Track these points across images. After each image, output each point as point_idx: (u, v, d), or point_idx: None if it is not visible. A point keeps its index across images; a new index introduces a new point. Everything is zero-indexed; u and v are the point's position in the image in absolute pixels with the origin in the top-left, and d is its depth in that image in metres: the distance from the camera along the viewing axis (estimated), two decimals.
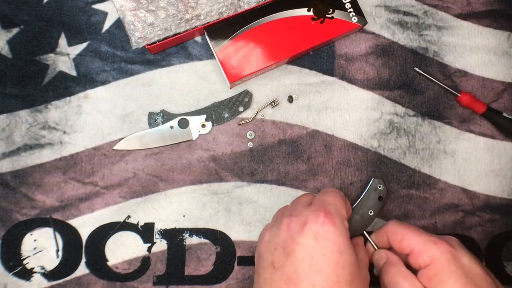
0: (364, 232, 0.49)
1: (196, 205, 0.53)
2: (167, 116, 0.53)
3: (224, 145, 0.54)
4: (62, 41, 0.54)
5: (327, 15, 0.54)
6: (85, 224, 0.51)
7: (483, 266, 0.41)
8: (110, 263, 0.51)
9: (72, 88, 0.53)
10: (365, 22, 0.54)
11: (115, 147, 0.52)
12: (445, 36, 0.57)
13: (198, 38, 0.55)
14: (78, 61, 0.53)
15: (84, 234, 0.51)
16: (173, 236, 0.52)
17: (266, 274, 0.40)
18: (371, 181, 0.52)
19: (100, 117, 0.53)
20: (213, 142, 0.54)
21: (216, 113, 0.54)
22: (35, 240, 0.51)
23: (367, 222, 0.50)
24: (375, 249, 0.47)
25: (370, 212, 0.50)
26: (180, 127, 0.53)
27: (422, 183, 0.55)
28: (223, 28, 0.52)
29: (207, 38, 0.53)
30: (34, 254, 0.51)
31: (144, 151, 0.53)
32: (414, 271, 0.42)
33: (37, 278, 0.50)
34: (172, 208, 0.52)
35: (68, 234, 0.51)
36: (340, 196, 0.45)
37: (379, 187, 0.51)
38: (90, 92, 0.53)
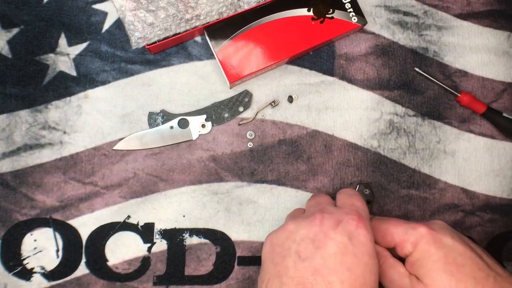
0: None
1: (196, 205, 0.53)
2: (167, 116, 0.53)
3: (224, 145, 0.54)
4: (62, 41, 0.54)
5: (327, 15, 0.54)
6: (85, 224, 0.51)
7: (470, 244, 0.41)
8: (110, 263, 0.51)
9: (72, 88, 0.53)
10: (365, 22, 0.54)
11: (115, 147, 0.52)
12: (445, 36, 0.57)
13: (198, 38, 0.55)
14: (78, 61, 0.53)
15: (84, 234, 0.51)
16: (173, 236, 0.52)
17: (288, 262, 0.39)
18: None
19: (100, 117, 0.53)
20: (213, 142, 0.54)
21: (216, 113, 0.54)
22: (35, 240, 0.51)
23: None
24: None
25: None
26: (180, 127, 0.53)
27: (422, 183, 0.55)
28: (223, 28, 0.52)
29: (207, 38, 0.53)
30: (34, 254, 0.51)
31: (144, 151, 0.53)
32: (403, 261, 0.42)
33: (37, 278, 0.50)
34: (172, 208, 0.52)
35: (68, 234, 0.51)
36: (363, 201, 0.45)
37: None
38: (90, 92, 0.53)
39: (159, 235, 0.52)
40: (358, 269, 0.38)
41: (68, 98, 0.53)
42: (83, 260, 0.51)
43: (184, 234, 0.52)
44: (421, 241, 0.40)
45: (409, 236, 0.41)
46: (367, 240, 0.39)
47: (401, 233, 0.42)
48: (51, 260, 0.51)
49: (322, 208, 0.42)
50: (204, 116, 0.54)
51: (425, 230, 0.41)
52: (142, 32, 0.50)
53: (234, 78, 0.52)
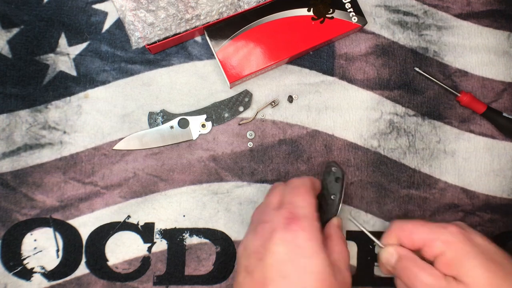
0: (366, 232, 0.47)
1: (196, 205, 0.53)
2: (167, 116, 0.53)
3: (224, 145, 0.54)
4: (62, 41, 0.54)
5: (327, 15, 0.54)
6: (85, 224, 0.51)
7: (496, 245, 0.41)
8: (110, 263, 0.51)
9: (72, 88, 0.53)
10: (365, 22, 0.54)
11: (115, 147, 0.52)
12: (445, 36, 0.57)
13: (198, 38, 0.55)
14: (78, 61, 0.53)
15: (84, 234, 0.51)
16: (173, 236, 0.52)
17: (240, 278, 0.40)
18: (325, 168, 0.50)
19: (100, 117, 0.53)
20: (213, 142, 0.54)
21: (216, 113, 0.54)
22: (35, 240, 0.51)
23: (332, 207, 0.48)
24: (380, 247, 0.45)
25: (333, 197, 0.48)
26: (180, 127, 0.53)
27: (422, 183, 0.55)
28: (223, 28, 0.52)
29: (207, 38, 0.53)
30: (34, 254, 0.51)
31: (144, 151, 0.53)
32: (430, 263, 0.41)
33: (37, 278, 0.50)
34: (172, 208, 0.52)
35: (68, 234, 0.51)
36: (307, 192, 0.43)
37: (333, 170, 0.48)
38: (90, 92, 0.53)
39: (159, 235, 0.52)
40: (295, 275, 0.38)
41: (68, 98, 0.53)
42: (83, 260, 0.51)
43: (184, 234, 0.52)
44: (455, 239, 0.39)
45: (440, 234, 0.40)
46: (303, 241, 0.39)
47: (431, 231, 0.41)
48: (51, 260, 0.51)
49: (263, 216, 0.43)
50: (204, 116, 0.54)
51: (456, 228, 0.40)
52: (142, 32, 0.50)
53: (234, 78, 0.52)
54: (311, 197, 0.43)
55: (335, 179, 0.48)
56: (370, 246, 0.53)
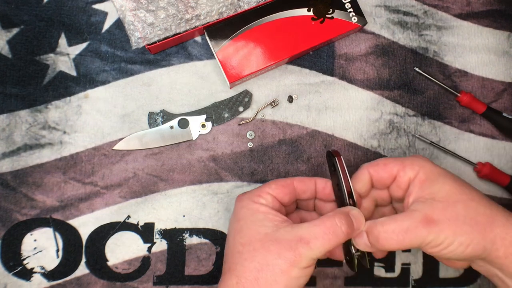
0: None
1: (196, 205, 0.53)
2: (167, 116, 0.53)
3: (224, 145, 0.54)
4: (62, 41, 0.54)
5: (327, 15, 0.54)
6: (85, 224, 0.51)
7: None
8: (110, 263, 0.51)
9: (72, 88, 0.53)
10: (365, 22, 0.54)
11: (115, 147, 0.52)
12: (445, 36, 0.57)
13: (198, 38, 0.55)
14: (78, 61, 0.53)
15: (84, 234, 0.51)
16: (173, 236, 0.52)
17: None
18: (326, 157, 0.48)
19: (100, 117, 0.53)
20: (213, 142, 0.54)
21: (216, 113, 0.54)
22: (35, 240, 0.51)
23: (343, 198, 0.44)
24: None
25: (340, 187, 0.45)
26: (180, 127, 0.53)
27: None
28: (223, 28, 0.52)
29: (207, 38, 0.53)
30: (34, 254, 0.51)
31: (144, 151, 0.53)
32: (401, 197, 0.44)
33: (37, 278, 0.50)
34: (172, 208, 0.52)
35: (68, 234, 0.51)
36: (265, 187, 0.45)
37: (332, 159, 0.45)
38: (90, 92, 0.53)
39: (159, 235, 0.52)
40: (229, 237, 0.44)
41: (68, 98, 0.53)
42: (83, 260, 0.51)
43: (184, 234, 0.52)
44: (426, 163, 0.43)
45: (412, 160, 0.43)
46: (235, 208, 0.44)
47: (402, 161, 0.44)
48: (51, 260, 0.51)
49: None
50: (204, 116, 0.54)
51: (425, 158, 0.44)
52: (142, 32, 0.50)
53: (234, 78, 0.52)
54: (269, 188, 0.45)
55: (333, 167, 0.45)
56: None
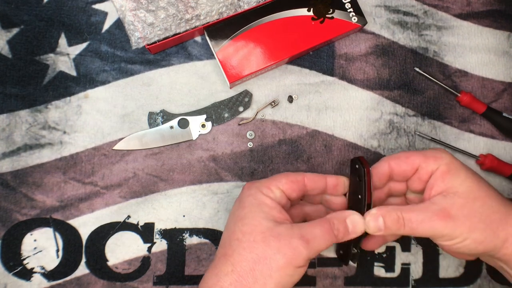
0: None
1: (196, 205, 0.53)
2: (167, 116, 0.53)
3: (224, 145, 0.54)
4: (62, 41, 0.54)
5: (327, 15, 0.54)
6: (85, 224, 0.51)
7: None
8: (110, 263, 0.51)
9: (72, 88, 0.53)
10: (365, 22, 0.54)
11: (115, 147, 0.52)
12: (445, 36, 0.57)
13: (198, 38, 0.55)
14: (78, 61, 0.53)
15: (84, 234, 0.51)
16: (173, 236, 0.52)
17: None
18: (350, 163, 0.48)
19: (100, 117, 0.53)
20: (213, 142, 0.54)
21: (216, 113, 0.54)
22: (35, 240, 0.51)
23: (360, 207, 0.45)
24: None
25: (359, 196, 0.45)
26: (180, 127, 0.53)
27: None
28: (223, 28, 0.52)
29: (207, 38, 0.53)
30: (34, 254, 0.51)
31: (144, 151, 0.53)
32: (421, 190, 0.45)
33: (37, 278, 0.50)
34: (172, 208, 0.52)
35: (68, 234, 0.51)
36: (275, 180, 0.45)
37: (357, 166, 0.45)
38: (90, 92, 0.53)
39: (159, 235, 0.52)
40: (230, 222, 0.44)
41: (68, 98, 0.53)
42: (83, 260, 0.51)
43: (184, 234, 0.52)
44: (447, 157, 0.43)
45: (434, 153, 0.44)
46: (242, 194, 0.44)
47: (423, 154, 0.44)
48: (51, 260, 0.51)
49: None
50: (204, 116, 0.54)
51: (446, 151, 0.44)
52: (142, 32, 0.50)
53: (234, 78, 0.52)
54: (274, 181, 0.45)
55: (358, 177, 0.45)
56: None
